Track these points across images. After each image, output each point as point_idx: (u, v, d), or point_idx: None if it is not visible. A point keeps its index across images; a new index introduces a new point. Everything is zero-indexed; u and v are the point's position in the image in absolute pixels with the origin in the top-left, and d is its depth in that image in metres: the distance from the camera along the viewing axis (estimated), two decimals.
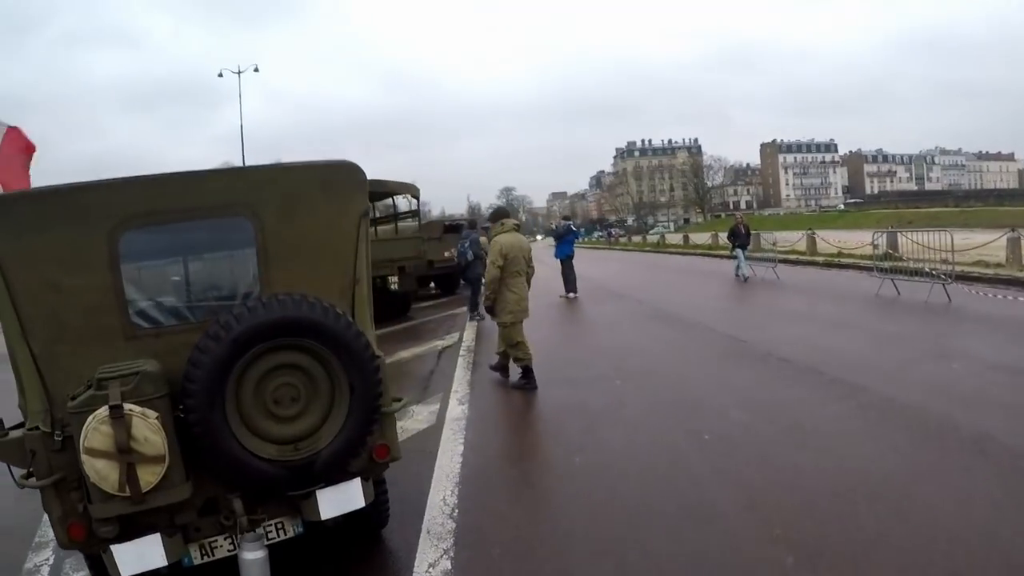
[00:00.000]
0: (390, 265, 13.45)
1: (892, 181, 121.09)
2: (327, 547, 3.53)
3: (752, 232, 17.08)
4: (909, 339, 7.70)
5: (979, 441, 4.24)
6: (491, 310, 6.77)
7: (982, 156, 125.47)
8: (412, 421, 5.85)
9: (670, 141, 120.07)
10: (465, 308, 13.04)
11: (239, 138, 45.75)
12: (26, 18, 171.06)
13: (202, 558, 2.81)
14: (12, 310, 2.55)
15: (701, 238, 36.50)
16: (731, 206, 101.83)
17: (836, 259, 18.23)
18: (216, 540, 2.81)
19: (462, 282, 15.47)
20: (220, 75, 36.83)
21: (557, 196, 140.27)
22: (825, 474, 3.96)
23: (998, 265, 13.21)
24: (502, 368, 7.10)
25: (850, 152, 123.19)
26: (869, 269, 13.01)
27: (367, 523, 3.47)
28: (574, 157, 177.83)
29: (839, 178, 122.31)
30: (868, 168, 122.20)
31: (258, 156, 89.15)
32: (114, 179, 2.77)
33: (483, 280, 7.73)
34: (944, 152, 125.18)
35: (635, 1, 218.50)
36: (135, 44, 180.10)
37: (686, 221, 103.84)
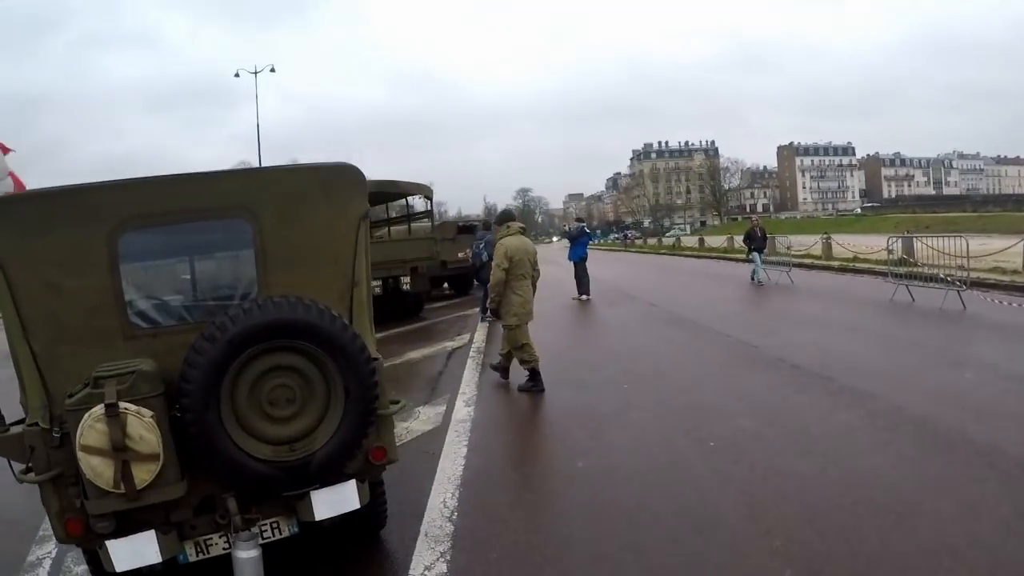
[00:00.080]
0: (403, 265, 13.38)
1: (909, 185, 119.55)
2: (324, 547, 3.54)
3: (768, 236, 16.93)
4: (922, 346, 7.58)
5: (989, 453, 4.16)
6: (496, 312, 6.80)
7: (1000, 160, 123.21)
8: (417, 422, 5.85)
9: (687, 143, 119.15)
10: (477, 309, 13.06)
11: (256, 137, 45.97)
12: (46, 20, 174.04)
13: (197, 555, 2.83)
14: (14, 310, 2.59)
15: (717, 241, 36.25)
16: (748, 209, 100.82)
17: (851, 264, 18.01)
18: (211, 538, 2.82)
19: (476, 283, 15.49)
20: (237, 75, 37.22)
21: (574, 197, 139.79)
22: (830, 484, 3.90)
23: (1015, 272, 12.98)
24: (503, 369, 7.10)
25: (867, 155, 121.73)
26: (884, 274, 12.83)
27: (364, 524, 3.48)
28: (591, 158, 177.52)
29: (856, 181, 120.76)
30: (885, 172, 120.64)
31: (274, 155, 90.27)
32: (114, 180, 2.80)
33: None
34: (962, 156, 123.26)
35: (652, 2, 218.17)
36: (153, 45, 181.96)
37: (703, 224, 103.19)
